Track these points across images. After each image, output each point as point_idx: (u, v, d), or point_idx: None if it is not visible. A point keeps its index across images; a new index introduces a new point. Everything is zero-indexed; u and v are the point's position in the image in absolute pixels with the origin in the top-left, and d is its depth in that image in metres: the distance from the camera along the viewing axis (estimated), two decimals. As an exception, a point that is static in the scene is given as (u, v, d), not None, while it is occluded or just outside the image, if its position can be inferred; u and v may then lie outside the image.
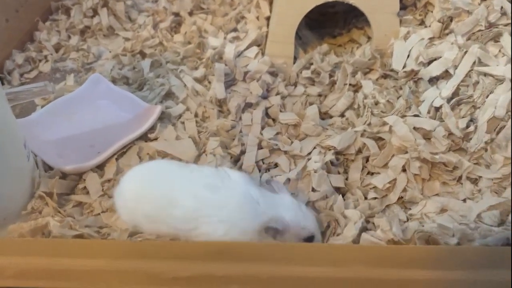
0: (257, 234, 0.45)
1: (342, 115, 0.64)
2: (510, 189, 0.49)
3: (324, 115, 0.65)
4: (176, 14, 0.85)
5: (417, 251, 0.43)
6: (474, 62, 0.60)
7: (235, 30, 0.79)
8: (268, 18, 0.77)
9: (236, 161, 0.57)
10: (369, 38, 0.74)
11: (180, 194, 0.45)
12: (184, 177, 0.46)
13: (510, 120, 0.54)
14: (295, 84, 0.69)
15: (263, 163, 0.57)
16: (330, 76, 0.67)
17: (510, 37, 0.60)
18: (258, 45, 0.73)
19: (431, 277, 0.40)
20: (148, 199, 0.45)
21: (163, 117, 0.63)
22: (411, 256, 0.42)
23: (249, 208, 0.44)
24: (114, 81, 0.71)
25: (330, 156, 0.55)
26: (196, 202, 0.44)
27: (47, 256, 0.43)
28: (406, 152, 0.54)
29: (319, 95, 0.67)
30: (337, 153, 0.57)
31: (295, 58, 0.72)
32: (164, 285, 0.42)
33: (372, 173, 0.56)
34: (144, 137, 0.59)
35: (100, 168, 0.57)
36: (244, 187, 0.46)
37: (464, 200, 0.51)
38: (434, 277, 0.40)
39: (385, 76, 0.66)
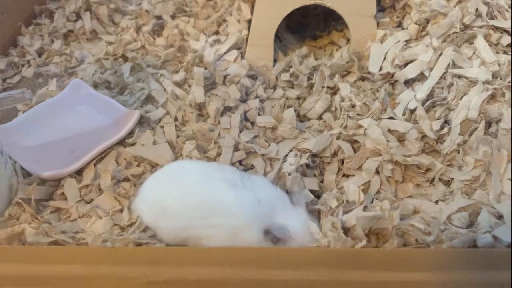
0: (263, 237, 0.45)
1: (320, 117, 0.65)
2: (479, 191, 0.50)
3: (303, 118, 0.66)
4: (159, 17, 0.85)
5: (389, 253, 0.44)
6: (449, 65, 0.60)
7: (216, 33, 0.80)
8: (249, 21, 0.77)
9: (213, 165, 0.57)
10: (348, 40, 0.74)
11: (197, 185, 0.46)
12: (203, 170, 0.47)
13: (483, 122, 0.55)
14: (275, 87, 0.69)
15: (241, 164, 0.58)
16: (309, 79, 0.68)
17: (483, 39, 0.61)
18: (239, 48, 0.73)
19: (405, 279, 0.42)
20: (168, 193, 0.46)
21: (142, 122, 0.64)
22: (383, 258, 0.43)
23: (260, 210, 0.45)
24: (96, 85, 0.72)
25: (305, 159, 0.55)
26: (211, 193, 0.45)
27: (22, 263, 0.44)
28: (380, 155, 0.54)
29: (298, 98, 0.68)
30: (314, 155, 0.58)
31: (275, 61, 0.73)
32: (139, 290, 0.43)
33: (348, 176, 0.57)
34: (122, 142, 0.60)
35: (78, 173, 0.57)
36: (260, 190, 0.47)
37: (437, 202, 0.52)
38: (407, 279, 0.42)
39: (362, 79, 0.67)
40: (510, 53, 0.61)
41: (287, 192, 0.51)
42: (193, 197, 0.45)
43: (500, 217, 0.46)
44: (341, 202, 0.49)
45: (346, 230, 0.46)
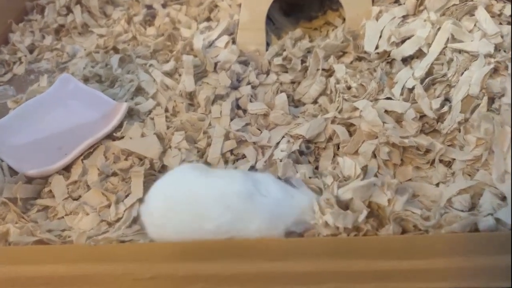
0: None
1: (315, 101, 0.62)
2: (482, 171, 0.47)
3: (297, 103, 0.63)
4: (150, 7, 0.83)
5: (386, 241, 0.42)
6: (448, 39, 0.57)
7: (208, 19, 0.77)
8: (240, 5, 0.75)
9: (203, 154, 0.55)
10: (344, 19, 0.71)
11: (212, 206, 0.42)
12: (213, 185, 0.43)
13: (485, 97, 0.52)
14: (268, 72, 0.67)
15: (232, 154, 0.56)
16: (303, 62, 0.65)
17: (484, 11, 0.57)
18: (230, 34, 0.71)
19: (404, 267, 0.39)
20: (177, 214, 0.43)
21: (132, 114, 0.62)
22: (380, 246, 0.41)
23: (278, 214, 0.43)
24: (87, 79, 0.70)
25: (297, 146, 0.53)
26: (230, 213, 0.42)
27: (6, 264, 0.43)
28: (377, 137, 0.52)
29: (292, 82, 0.65)
30: (308, 141, 0.55)
31: (269, 45, 0.70)
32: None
33: (344, 160, 0.54)
34: (111, 136, 0.58)
35: (67, 170, 0.56)
36: (274, 193, 0.43)
37: (438, 184, 0.49)
38: (406, 267, 0.39)
39: (359, 59, 0.64)
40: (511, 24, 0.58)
41: (285, 180, 0.49)
42: (211, 221, 0.42)
43: (504, 198, 0.43)
44: (337, 178, 0.47)
45: (345, 205, 0.44)
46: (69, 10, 0.86)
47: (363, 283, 0.39)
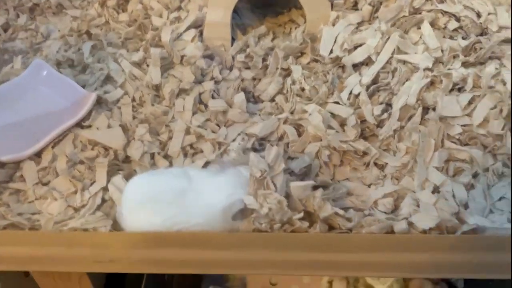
0: (232, 223, 0.49)
1: (272, 100, 0.67)
2: (407, 177, 0.53)
3: (257, 99, 0.68)
4: (123, -10, 0.85)
5: (315, 238, 0.48)
6: (394, 50, 0.62)
7: (179, 8, 0.80)
8: (209, -2, 0.78)
9: (164, 147, 0.60)
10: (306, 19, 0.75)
11: (159, 202, 0.49)
12: (162, 184, 0.50)
13: (420, 108, 0.57)
14: (231, 68, 0.71)
15: (192, 148, 0.61)
16: (264, 60, 0.69)
17: (428, 25, 0.62)
18: (198, 26, 0.74)
19: (330, 259, 0.47)
20: (143, 211, 0.49)
21: (101, 102, 0.66)
22: (310, 241, 0.48)
23: (216, 205, 0.48)
24: (59, 63, 0.73)
25: (250, 144, 0.58)
26: (172, 207, 0.48)
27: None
28: (321, 140, 0.57)
29: (254, 79, 0.69)
30: (262, 139, 0.61)
31: (234, 40, 0.74)
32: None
33: (292, 158, 0.60)
34: (80, 124, 0.62)
35: (37, 155, 0.60)
36: (204, 185, 0.50)
37: (370, 185, 0.55)
38: (332, 259, 0.47)
39: (316, 61, 0.69)
40: (455, 38, 0.63)
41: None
42: (159, 216, 0.48)
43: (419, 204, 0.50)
44: (264, 171, 0.50)
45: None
46: (44, -11, 0.87)
47: (293, 270, 0.47)
